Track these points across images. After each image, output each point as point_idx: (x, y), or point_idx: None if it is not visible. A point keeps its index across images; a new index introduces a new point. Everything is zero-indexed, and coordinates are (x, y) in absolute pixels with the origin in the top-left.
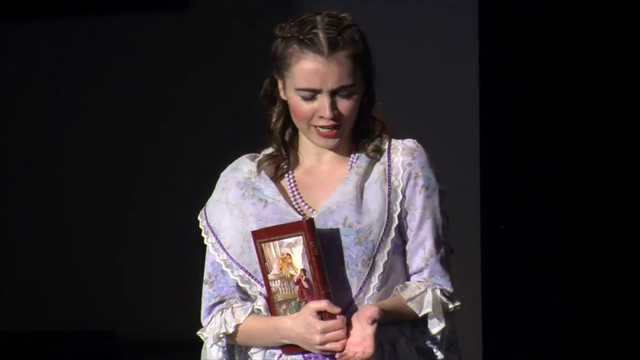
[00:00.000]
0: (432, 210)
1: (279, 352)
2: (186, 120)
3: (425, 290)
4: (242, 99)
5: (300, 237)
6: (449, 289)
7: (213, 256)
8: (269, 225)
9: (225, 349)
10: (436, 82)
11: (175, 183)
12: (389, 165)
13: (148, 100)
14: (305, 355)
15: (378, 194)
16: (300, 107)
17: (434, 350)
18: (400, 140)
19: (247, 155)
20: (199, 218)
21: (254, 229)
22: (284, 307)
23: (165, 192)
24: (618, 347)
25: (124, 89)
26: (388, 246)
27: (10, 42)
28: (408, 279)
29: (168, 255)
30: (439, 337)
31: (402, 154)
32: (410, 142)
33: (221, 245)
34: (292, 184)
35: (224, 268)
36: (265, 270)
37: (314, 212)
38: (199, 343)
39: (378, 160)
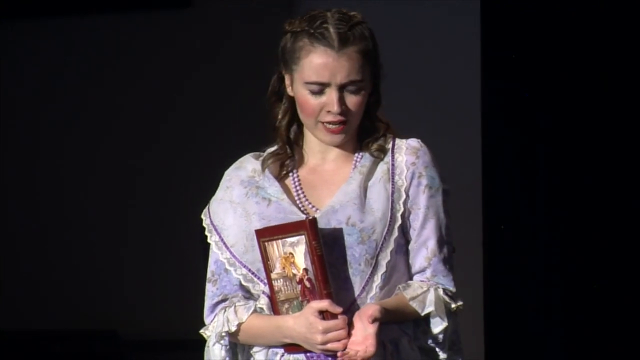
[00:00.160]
0: (436, 209)
1: (281, 351)
2: (187, 119)
3: (427, 289)
4: (243, 98)
5: (303, 237)
6: (452, 288)
7: (216, 254)
8: (272, 224)
9: (227, 347)
10: (438, 81)
11: (176, 182)
12: (393, 165)
13: (149, 100)
14: (308, 354)
15: (381, 193)
16: (308, 101)
17: (437, 349)
18: (404, 140)
19: (251, 154)
20: (202, 216)
21: (258, 227)
22: (286, 306)
23: (166, 191)
24: (619, 347)
25: (124, 89)
26: (391, 245)
27: (10, 42)
28: (411, 279)
29: (169, 254)
30: (441, 336)
31: (406, 154)
32: (414, 142)
33: (224, 243)
34: (297, 183)
35: (227, 266)
36: (268, 269)
37: (318, 211)
38: (200, 342)
39: (382, 159)
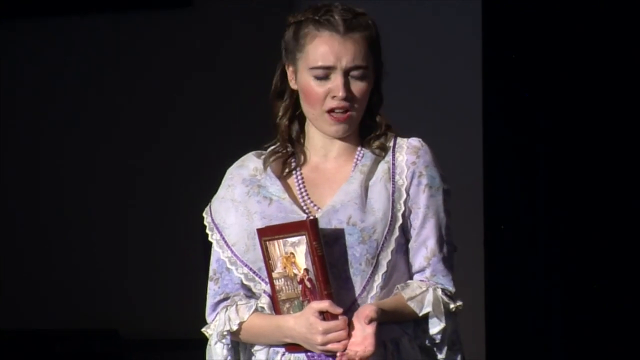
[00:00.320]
0: (436, 209)
1: (282, 350)
2: (187, 119)
3: (426, 289)
4: (243, 98)
5: (304, 237)
6: (451, 288)
7: (218, 253)
8: (273, 223)
9: (229, 346)
10: (439, 82)
11: (176, 182)
12: (393, 164)
13: (149, 100)
14: (309, 354)
15: (382, 193)
16: (312, 88)
17: (437, 349)
18: (405, 139)
19: (253, 152)
20: (204, 214)
21: (259, 226)
22: (287, 305)
23: (166, 191)
24: (620, 347)
25: (125, 89)
26: (392, 245)
27: (10, 42)
28: (411, 278)
29: (170, 253)
30: (439, 336)
31: (407, 153)
32: (415, 141)
33: (226, 242)
34: (300, 181)
35: (229, 265)
36: (269, 268)
37: (319, 210)
38: (201, 341)
39: (383, 158)
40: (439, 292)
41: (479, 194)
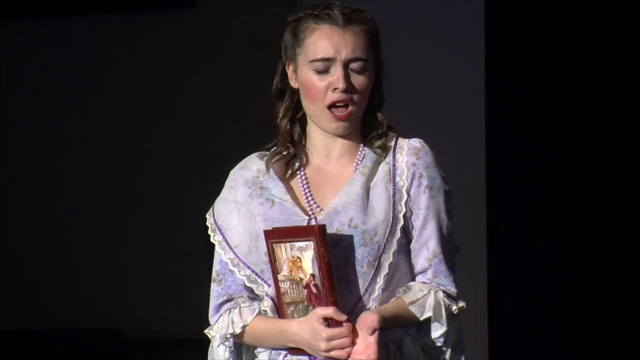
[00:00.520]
0: (437, 210)
1: (284, 351)
2: (187, 119)
3: (427, 292)
4: (244, 98)
5: (312, 243)
6: (453, 289)
7: (220, 255)
8: (275, 225)
9: (232, 348)
10: (442, 82)
11: (176, 182)
12: (394, 165)
13: (150, 100)
14: (311, 357)
15: (383, 194)
16: (313, 83)
17: (440, 349)
18: (406, 140)
19: (256, 153)
20: (206, 216)
21: (262, 228)
22: (291, 308)
23: (167, 191)
24: (621, 347)
25: (127, 88)
26: (393, 247)
27: (10, 42)
28: (414, 279)
29: (173, 254)
30: (442, 339)
31: (407, 154)
32: (415, 142)
33: (228, 244)
34: (304, 183)
35: (231, 267)
36: (275, 270)
37: (322, 211)
38: (204, 341)
39: (384, 159)
40: (440, 294)
41: (482, 194)
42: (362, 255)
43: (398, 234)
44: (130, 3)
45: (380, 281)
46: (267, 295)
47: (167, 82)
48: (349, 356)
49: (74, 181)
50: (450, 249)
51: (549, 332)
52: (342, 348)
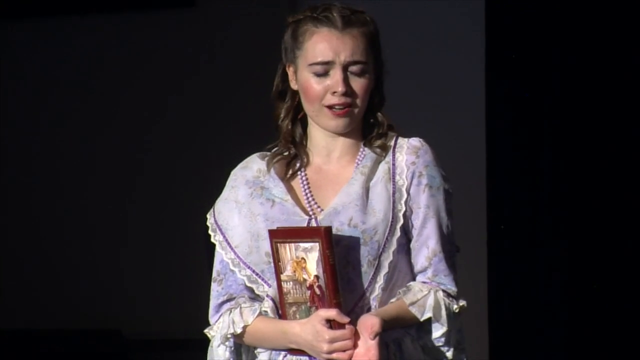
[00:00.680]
0: (436, 209)
1: (284, 351)
2: (187, 119)
3: (427, 293)
4: (244, 98)
5: (317, 244)
6: (453, 288)
7: (221, 254)
8: (276, 225)
9: (232, 348)
10: (442, 81)
11: (176, 182)
12: (394, 164)
13: (149, 100)
14: (312, 358)
15: (383, 193)
16: (312, 85)
17: (440, 349)
18: (406, 139)
19: (257, 153)
20: (207, 216)
21: (262, 228)
22: (293, 308)
23: (166, 191)
24: (621, 347)
25: (127, 88)
26: (393, 246)
27: (10, 42)
28: (414, 278)
29: (173, 253)
30: (442, 339)
31: (407, 153)
32: (415, 141)
33: (229, 244)
34: (305, 183)
35: (232, 267)
36: (278, 270)
37: (322, 211)
38: (204, 341)
39: (383, 158)
40: (440, 294)
41: (482, 194)
42: (362, 254)
43: (398, 233)
44: (130, 3)
45: (380, 280)
46: (267, 295)
47: (167, 82)
48: (350, 359)
49: (73, 181)
50: (450, 247)
51: (549, 332)
52: (344, 350)
